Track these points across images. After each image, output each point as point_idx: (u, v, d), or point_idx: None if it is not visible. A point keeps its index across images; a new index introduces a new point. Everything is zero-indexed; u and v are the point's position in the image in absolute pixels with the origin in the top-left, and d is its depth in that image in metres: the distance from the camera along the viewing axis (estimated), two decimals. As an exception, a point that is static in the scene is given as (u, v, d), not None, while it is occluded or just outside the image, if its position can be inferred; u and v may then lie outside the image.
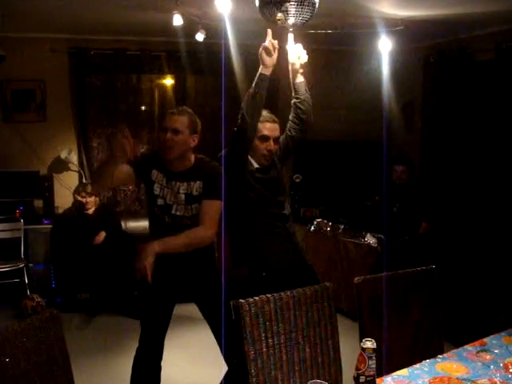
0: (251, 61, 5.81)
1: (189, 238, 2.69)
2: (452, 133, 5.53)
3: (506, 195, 4.95)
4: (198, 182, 2.76)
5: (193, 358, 4.15)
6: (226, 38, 3.64)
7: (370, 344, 1.74)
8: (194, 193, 2.76)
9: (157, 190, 2.78)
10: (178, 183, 2.76)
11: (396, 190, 5.15)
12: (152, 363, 2.89)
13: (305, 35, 3.67)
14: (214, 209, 2.73)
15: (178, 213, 2.77)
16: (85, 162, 5.80)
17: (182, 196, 2.75)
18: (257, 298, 2.09)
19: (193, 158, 2.82)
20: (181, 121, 2.70)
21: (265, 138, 2.93)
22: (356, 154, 6.33)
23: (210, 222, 2.71)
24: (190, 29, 4.44)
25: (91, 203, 5.18)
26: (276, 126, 2.98)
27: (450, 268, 4.08)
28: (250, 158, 2.96)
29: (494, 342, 2.29)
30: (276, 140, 2.98)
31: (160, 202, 2.78)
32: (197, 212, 2.76)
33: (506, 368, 2.03)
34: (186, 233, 2.68)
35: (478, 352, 2.19)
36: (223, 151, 2.95)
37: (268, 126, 2.94)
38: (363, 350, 1.74)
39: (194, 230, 2.70)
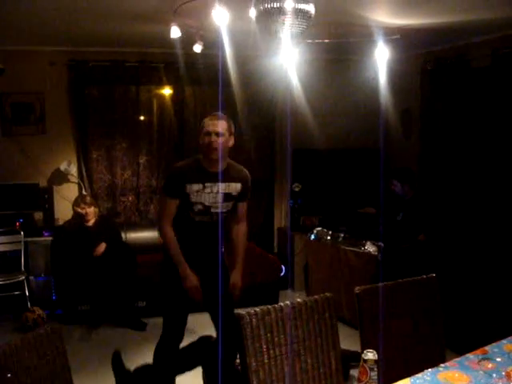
0: (247, 71, 5.96)
1: (244, 242, 3.26)
2: (450, 140, 5.54)
3: (506, 201, 4.95)
4: (237, 184, 3.11)
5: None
6: (223, 49, 3.68)
7: (371, 355, 1.74)
8: (233, 193, 3.10)
9: (193, 198, 3.01)
10: (216, 183, 3.02)
11: (400, 200, 5.10)
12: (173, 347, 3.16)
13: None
14: (246, 208, 3.25)
15: (217, 210, 3.07)
16: (84, 174, 5.81)
17: (221, 195, 3.05)
18: (257, 308, 2.10)
19: (227, 158, 3.10)
20: (221, 124, 2.99)
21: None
22: (355, 162, 6.34)
23: (245, 219, 3.26)
24: (187, 40, 4.46)
25: (91, 214, 5.17)
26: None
27: (451, 276, 4.07)
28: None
29: (495, 350, 2.28)
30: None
31: (198, 207, 3.03)
32: (230, 208, 3.13)
33: (509, 376, 2.01)
34: (239, 240, 3.24)
35: (479, 360, 2.17)
36: None
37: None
38: (365, 361, 1.74)
39: (240, 232, 3.25)
